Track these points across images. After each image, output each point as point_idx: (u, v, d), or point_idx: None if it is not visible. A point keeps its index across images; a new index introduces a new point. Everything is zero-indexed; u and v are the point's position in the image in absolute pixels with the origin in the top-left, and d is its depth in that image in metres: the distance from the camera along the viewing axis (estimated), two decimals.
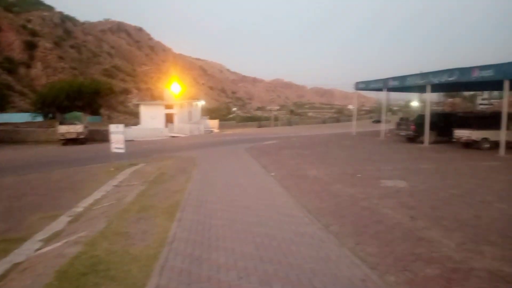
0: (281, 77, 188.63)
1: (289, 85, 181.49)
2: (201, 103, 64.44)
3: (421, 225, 6.76)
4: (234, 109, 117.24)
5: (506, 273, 4.68)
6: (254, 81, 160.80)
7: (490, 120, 21.01)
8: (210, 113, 73.89)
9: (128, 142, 21.00)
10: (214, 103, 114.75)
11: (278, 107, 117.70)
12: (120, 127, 18.41)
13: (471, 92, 53.72)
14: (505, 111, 18.92)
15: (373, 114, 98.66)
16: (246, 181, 11.89)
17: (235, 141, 32.72)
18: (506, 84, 18.07)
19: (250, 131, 59.41)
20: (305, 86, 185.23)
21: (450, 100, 51.75)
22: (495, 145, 19.56)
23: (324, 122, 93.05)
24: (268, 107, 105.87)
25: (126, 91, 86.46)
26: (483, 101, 54.07)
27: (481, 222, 6.92)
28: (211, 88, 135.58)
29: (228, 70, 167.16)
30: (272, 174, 13.30)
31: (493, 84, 24.09)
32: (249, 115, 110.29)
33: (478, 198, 8.83)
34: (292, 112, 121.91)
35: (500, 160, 16.48)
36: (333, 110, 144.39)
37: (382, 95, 31.90)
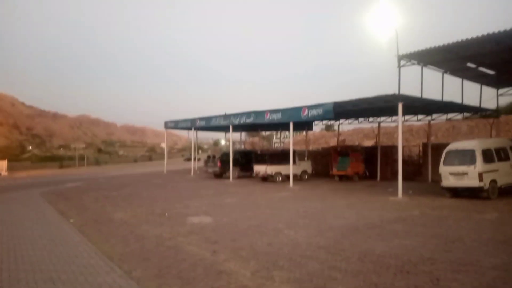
0: (88, 113, 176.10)
1: (96, 122, 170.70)
2: None
3: (222, 258, 7.08)
4: (30, 147, 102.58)
5: None
6: (55, 116, 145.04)
7: (281, 156, 24.30)
8: None
9: None
10: (3, 141, 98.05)
11: (84, 146, 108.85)
12: None
13: (268, 132, 61.26)
14: (291, 148, 22.20)
15: (185, 152, 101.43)
16: (36, 232, 10.32)
17: (28, 185, 28.39)
18: (291, 126, 21.35)
19: (51, 172, 52.83)
20: (114, 123, 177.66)
21: (251, 139, 57.81)
22: (286, 178, 22.56)
23: (135, 160, 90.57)
24: (73, 146, 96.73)
25: None
26: (276, 139, 62.29)
27: (273, 249, 7.71)
28: None
29: (22, 103, 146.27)
30: (71, 220, 11.96)
31: (283, 125, 28.15)
32: (49, 154, 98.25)
33: (271, 227, 9.88)
34: (100, 150, 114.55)
35: (290, 191, 19.05)
36: (145, 148, 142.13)
37: (192, 134, 33.24)
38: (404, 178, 15.94)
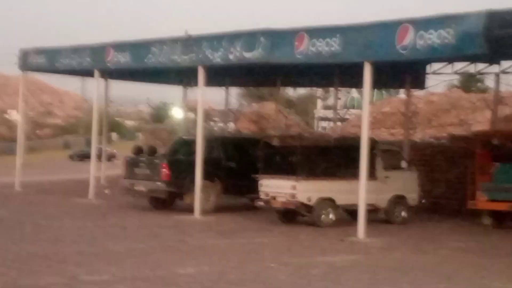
0: None
1: None
2: None
3: None
4: None
5: None
6: None
7: (335, 157, 10.61)
8: None
9: None
10: None
11: None
12: None
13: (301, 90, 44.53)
14: (365, 135, 6.69)
15: (77, 137, 50.79)
16: None
17: None
18: (367, 72, 5.74)
19: None
20: None
21: (255, 105, 33.73)
22: (348, 213, 8.72)
23: None
24: None
25: None
26: (324, 110, 43.41)
27: None
28: None
29: None
30: None
31: (342, 71, 12.33)
32: None
33: None
34: None
35: (359, 251, 5.87)
36: None
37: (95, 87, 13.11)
38: None
